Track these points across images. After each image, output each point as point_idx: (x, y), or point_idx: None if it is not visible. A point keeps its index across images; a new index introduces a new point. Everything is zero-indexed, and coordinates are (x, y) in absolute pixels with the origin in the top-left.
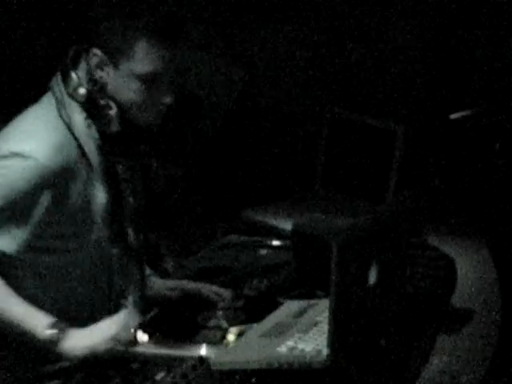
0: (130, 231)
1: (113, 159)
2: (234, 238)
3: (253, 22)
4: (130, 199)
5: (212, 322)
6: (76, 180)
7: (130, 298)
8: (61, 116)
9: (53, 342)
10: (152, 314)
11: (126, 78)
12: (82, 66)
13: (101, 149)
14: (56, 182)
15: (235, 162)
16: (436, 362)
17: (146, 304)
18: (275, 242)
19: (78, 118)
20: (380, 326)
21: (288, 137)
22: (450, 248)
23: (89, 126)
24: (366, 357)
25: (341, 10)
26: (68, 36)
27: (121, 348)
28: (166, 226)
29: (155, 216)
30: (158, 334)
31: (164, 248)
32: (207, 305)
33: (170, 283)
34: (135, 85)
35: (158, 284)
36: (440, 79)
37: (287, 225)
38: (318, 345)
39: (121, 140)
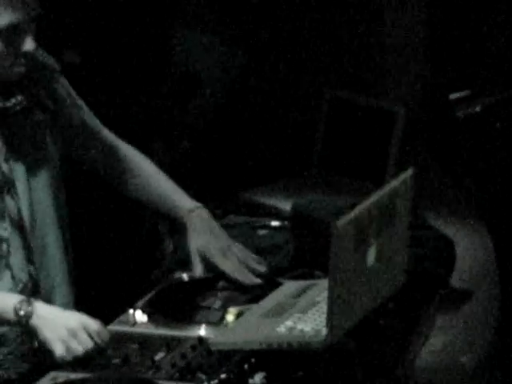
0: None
1: None
2: (232, 218)
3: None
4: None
5: (211, 303)
6: None
7: None
8: None
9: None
10: (151, 294)
11: None
12: None
13: None
14: None
15: (233, 143)
16: (435, 342)
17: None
18: (274, 223)
19: None
20: (379, 306)
21: (286, 117)
22: (449, 229)
23: None
24: (365, 337)
25: None
26: None
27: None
28: None
29: None
30: (157, 314)
31: (163, 227)
32: (206, 285)
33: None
34: None
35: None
36: (440, 59)
37: (286, 205)
38: (317, 325)
39: None
